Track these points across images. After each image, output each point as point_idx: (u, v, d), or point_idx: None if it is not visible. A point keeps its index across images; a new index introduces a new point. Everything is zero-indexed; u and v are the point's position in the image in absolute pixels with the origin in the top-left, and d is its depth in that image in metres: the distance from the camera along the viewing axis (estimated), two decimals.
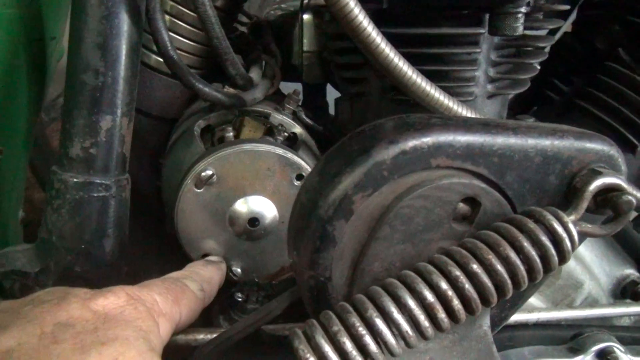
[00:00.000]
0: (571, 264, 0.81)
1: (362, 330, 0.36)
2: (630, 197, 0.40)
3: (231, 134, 0.70)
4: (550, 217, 0.39)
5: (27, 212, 0.85)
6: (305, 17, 0.83)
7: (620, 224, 0.41)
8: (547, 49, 0.75)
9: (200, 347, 0.51)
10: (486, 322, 0.45)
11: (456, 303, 0.37)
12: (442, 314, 0.37)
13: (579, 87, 0.84)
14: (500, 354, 0.47)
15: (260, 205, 0.67)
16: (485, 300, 0.38)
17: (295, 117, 0.77)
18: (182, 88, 0.78)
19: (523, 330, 0.69)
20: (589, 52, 0.83)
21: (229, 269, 0.69)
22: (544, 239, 0.38)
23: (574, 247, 0.39)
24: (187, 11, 0.74)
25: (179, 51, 0.66)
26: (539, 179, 0.43)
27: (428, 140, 0.40)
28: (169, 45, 0.61)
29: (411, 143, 0.40)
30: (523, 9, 0.62)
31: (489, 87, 0.71)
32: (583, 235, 0.41)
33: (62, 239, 0.56)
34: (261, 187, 0.66)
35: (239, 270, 0.69)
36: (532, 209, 0.40)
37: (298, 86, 0.86)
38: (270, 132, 0.73)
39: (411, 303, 0.37)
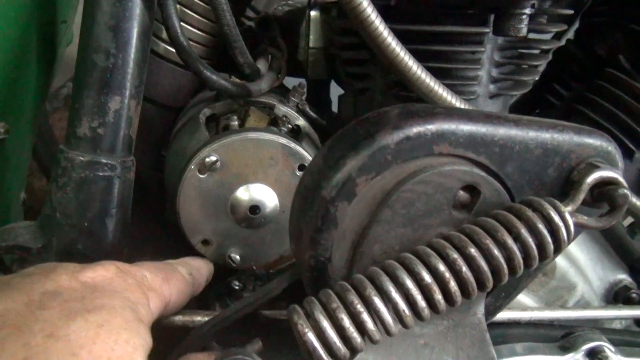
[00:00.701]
0: (565, 265, 0.82)
1: (360, 307, 0.37)
2: (625, 191, 0.41)
3: (236, 122, 0.71)
4: (548, 206, 0.40)
5: (27, 199, 0.86)
6: (313, 13, 0.84)
7: (616, 217, 0.42)
8: (550, 53, 0.77)
9: (196, 328, 0.52)
10: (480, 310, 0.46)
11: (453, 285, 0.38)
12: (438, 295, 0.38)
13: (579, 93, 0.85)
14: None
15: (262, 194, 0.67)
16: (481, 285, 0.39)
17: (299, 110, 0.78)
18: (189, 77, 0.79)
19: (515, 328, 0.70)
20: (590, 58, 0.84)
21: (227, 255, 0.70)
22: (541, 227, 0.39)
23: (569, 237, 0.40)
24: (198, 1, 0.75)
25: None
26: (537, 171, 0.44)
27: (432, 127, 0.41)
28: (179, 31, 0.62)
29: (415, 129, 0.41)
30: (527, 11, 0.64)
31: (492, 87, 0.73)
32: (579, 227, 0.42)
33: (66, 216, 0.57)
34: (264, 175, 0.67)
35: (237, 257, 0.70)
36: (531, 199, 0.41)
37: (303, 81, 0.87)
38: (274, 123, 0.74)
39: (409, 283, 0.38)
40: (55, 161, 0.57)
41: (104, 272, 0.44)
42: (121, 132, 0.58)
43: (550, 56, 0.79)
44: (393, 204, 0.41)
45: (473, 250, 0.38)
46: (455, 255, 0.38)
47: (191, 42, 0.76)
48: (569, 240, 0.40)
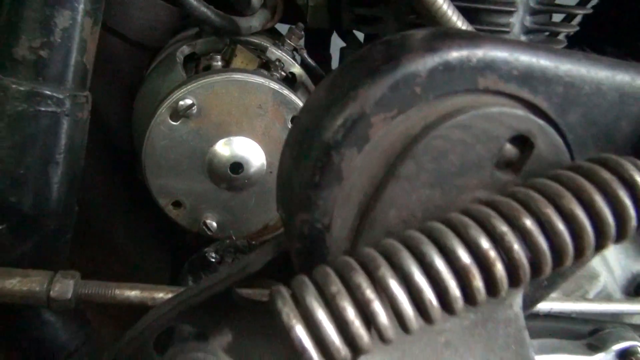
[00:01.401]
0: None
1: (370, 293, 0.26)
2: None
3: (219, 63, 0.59)
4: (630, 167, 0.29)
5: None
6: None
7: None
8: (589, 5, 0.66)
9: (156, 307, 0.41)
10: (518, 302, 0.36)
11: (499, 268, 0.27)
12: (478, 282, 0.27)
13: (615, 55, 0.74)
14: None
15: (246, 149, 0.56)
16: (537, 269, 0.28)
17: (296, 56, 0.67)
18: (167, 11, 0.67)
19: (534, 321, 0.61)
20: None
21: (202, 221, 0.59)
22: (622, 195, 0.28)
23: None
24: None
25: None
26: (608, 123, 0.33)
27: (479, 52, 0.30)
28: None
29: (456, 53, 0.30)
30: None
31: (523, 39, 0.62)
32: None
33: None
34: (249, 127, 0.56)
35: (214, 224, 0.59)
36: (606, 157, 0.30)
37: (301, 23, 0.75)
38: (265, 67, 0.62)
39: (438, 263, 0.27)
40: None
41: None
42: (71, 57, 0.46)
43: (589, 9, 0.68)
44: (419, 154, 0.30)
45: (529, 223, 0.28)
46: (504, 227, 0.28)
47: None
48: None
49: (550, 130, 0.32)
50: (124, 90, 0.72)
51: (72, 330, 0.52)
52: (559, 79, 0.31)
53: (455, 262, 0.27)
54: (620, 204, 0.28)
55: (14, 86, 0.44)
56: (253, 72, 0.56)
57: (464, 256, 0.27)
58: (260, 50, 0.63)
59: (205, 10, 0.55)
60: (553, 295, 0.72)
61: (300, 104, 0.56)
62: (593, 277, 0.75)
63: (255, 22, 0.63)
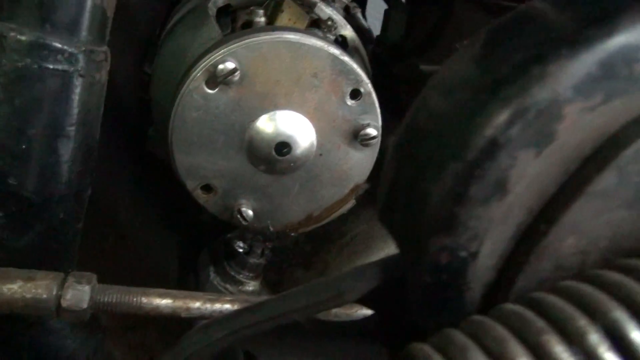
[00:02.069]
0: None
1: None
2: None
3: (262, 19, 0.49)
4: None
5: None
6: None
7: None
8: None
9: (203, 326, 0.32)
10: None
11: None
12: None
13: None
14: None
15: (295, 126, 0.47)
16: None
17: (348, 16, 0.56)
18: None
19: None
20: None
21: (236, 209, 0.50)
22: None
23: None
24: None
25: None
26: None
27: None
28: None
29: None
30: None
31: None
32: None
33: None
34: (300, 99, 0.46)
35: (249, 212, 0.50)
36: None
37: None
38: (315, 27, 0.52)
39: None
40: None
41: None
42: (87, 1, 0.35)
43: None
44: (624, 163, 0.21)
45: None
46: None
47: None
48: None
49: None
50: (137, 46, 0.61)
51: (82, 338, 0.43)
52: None
53: None
54: None
55: (12, 34, 0.34)
56: (308, 33, 0.46)
57: None
58: (308, 6, 0.53)
59: None
60: None
61: (363, 75, 0.46)
62: None
63: None
